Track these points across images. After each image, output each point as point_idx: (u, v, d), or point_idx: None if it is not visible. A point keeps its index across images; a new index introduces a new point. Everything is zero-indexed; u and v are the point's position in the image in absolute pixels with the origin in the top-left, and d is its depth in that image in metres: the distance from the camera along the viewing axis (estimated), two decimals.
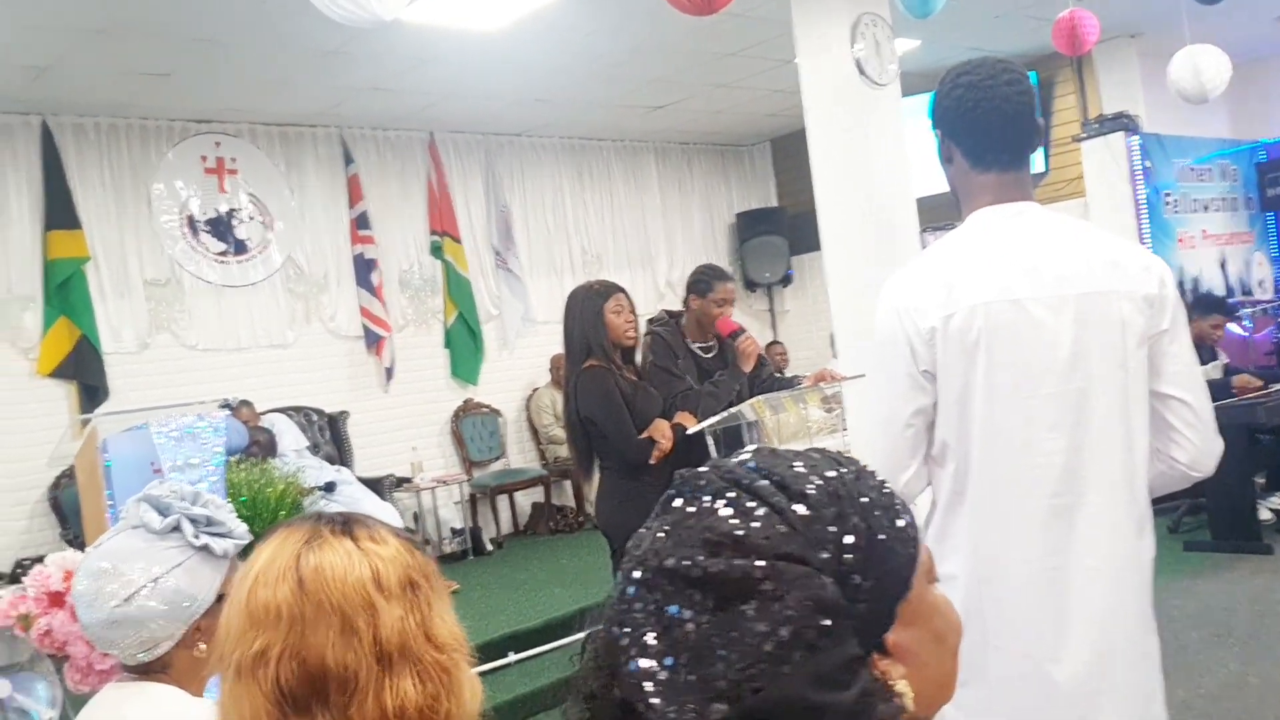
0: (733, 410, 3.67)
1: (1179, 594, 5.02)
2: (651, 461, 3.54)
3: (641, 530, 0.76)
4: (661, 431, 3.59)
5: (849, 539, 0.71)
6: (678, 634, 0.67)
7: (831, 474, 0.75)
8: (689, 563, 0.69)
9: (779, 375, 4.22)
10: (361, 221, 7.60)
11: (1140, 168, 7.46)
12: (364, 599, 1.05)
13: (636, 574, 0.71)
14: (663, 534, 0.72)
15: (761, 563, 0.68)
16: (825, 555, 0.70)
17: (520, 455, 8.39)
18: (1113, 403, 1.81)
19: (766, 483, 0.72)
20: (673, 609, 0.68)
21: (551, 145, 8.82)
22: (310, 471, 5.90)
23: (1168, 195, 7.75)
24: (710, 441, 3.65)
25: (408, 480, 7.32)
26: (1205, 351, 6.23)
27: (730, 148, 10.20)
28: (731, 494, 0.72)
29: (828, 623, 0.68)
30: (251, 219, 7.17)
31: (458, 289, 8.04)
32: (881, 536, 0.73)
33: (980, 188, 1.92)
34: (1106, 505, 1.81)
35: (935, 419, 1.88)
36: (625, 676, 0.67)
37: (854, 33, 5.11)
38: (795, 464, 0.75)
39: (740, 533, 0.69)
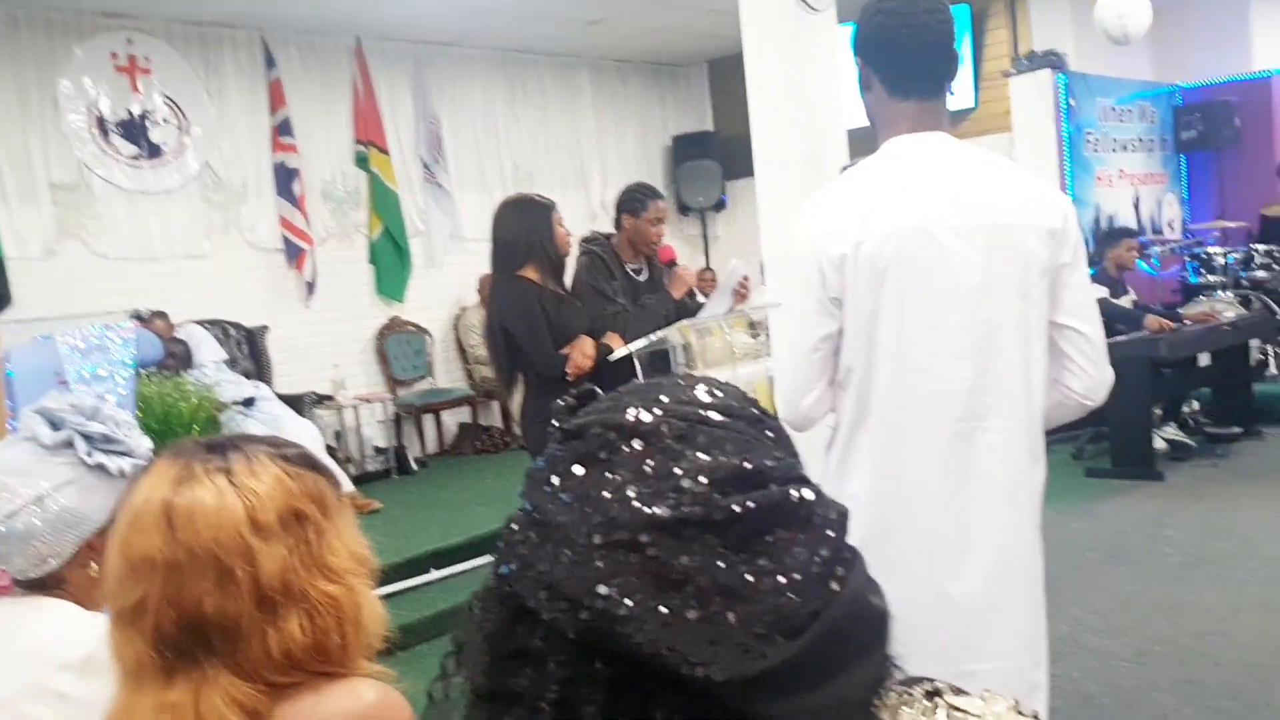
0: (660, 334, 3.70)
1: (1078, 517, 5.24)
2: (568, 377, 3.52)
3: (544, 496, 0.69)
4: (583, 349, 3.58)
5: (795, 449, 0.72)
6: (702, 583, 0.63)
7: (735, 392, 0.73)
8: (704, 509, 0.64)
9: (705, 302, 4.25)
10: (283, 129, 7.38)
11: (1065, 106, 7.56)
12: (239, 545, 1.02)
13: (604, 542, 0.65)
14: (627, 490, 0.66)
15: (780, 490, 0.66)
16: (802, 469, 0.70)
17: (447, 375, 8.35)
18: (1014, 333, 1.87)
19: (720, 415, 0.69)
20: (685, 561, 0.63)
21: (484, 57, 8.63)
22: (228, 386, 5.81)
23: (1089, 134, 7.88)
24: (637, 364, 3.67)
25: (329, 398, 7.25)
26: (1119, 285, 6.42)
27: (666, 68, 10.08)
28: (698, 430, 0.68)
29: (847, 533, 0.68)
30: (166, 123, 6.93)
31: (383, 202, 7.89)
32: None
33: (897, 115, 1.94)
34: (1004, 432, 1.88)
35: (842, 344, 1.92)
36: (640, 645, 0.62)
37: None
38: (703, 393, 0.72)
39: (749, 465, 0.66)
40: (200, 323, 6.68)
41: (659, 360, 4.04)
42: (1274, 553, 4.41)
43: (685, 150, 9.82)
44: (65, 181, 6.52)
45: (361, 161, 7.84)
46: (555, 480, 0.69)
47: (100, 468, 1.47)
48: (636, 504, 0.65)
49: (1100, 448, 6.26)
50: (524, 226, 3.56)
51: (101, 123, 6.66)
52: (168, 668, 1.02)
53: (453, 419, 8.23)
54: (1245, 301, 6.95)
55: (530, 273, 3.59)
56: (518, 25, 8.02)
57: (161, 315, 6.17)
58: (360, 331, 7.85)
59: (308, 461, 1.12)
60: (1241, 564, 4.32)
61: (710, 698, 0.63)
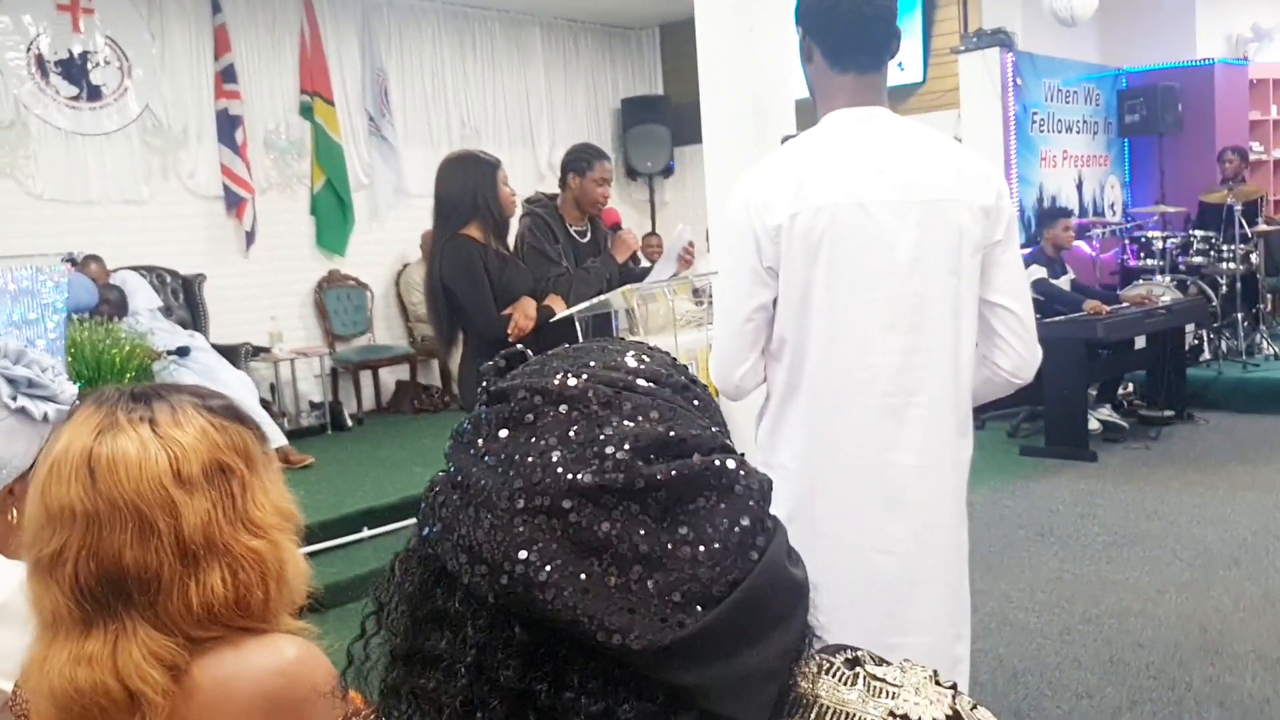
0: (603, 297, 3.69)
1: (1010, 495, 5.35)
2: (509, 338, 3.50)
3: (469, 458, 0.69)
4: (524, 310, 3.56)
5: (720, 418, 0.72)
6: (621, 550, 0.63)
7: (664, 359, 0.74)
8: (626, 476, 0.64)
9: (649, 266, 4.25)
10: (227, 75, 7.22)
11: (1012, 84, 7.64)
12: (161, 496, 1.01)
13: (525, 505, 0.64)
14: (551, 455, 0.65)
15: (704, 458, 0.66)
16: (726, 437, 0.70)
17: (387, 332, 8.27)
18: (946, 309, 1.90)
19: (647, 381, 0.69)
20: (605, 528, 0.63)
21: (434, 10, 8.50)
22: (162, 334, 5.72)
23: (1035, 114, 7.98)
24: (579, 327, 3.67)
25: (265, 350, 7.16)
26: (1057, 265, 6.53)
27: (619, 30, 10.00)
28: (624, 397, 0.68)
29: (769, 501, 0.68)
30: (108, 64, 6.74)
31: (327, 154, 7.76)
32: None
33: (837, 88, 1.95)
34: (933, 406, 1.91)
35: (775, 315, 1.94)
36: (556, 612, 0.63)
37: None
38: (631, 358, 0.72)
39: (673, 433, 0.66)
40: (136, 269, 6.56)
41: (600, 324, 4.05)
42: (1199, 535, 4.54)
43: (635, 114, 9.78)
44: (1, 120, 6.33)
45: (306, 112, 7.71)
46: (480, 442, 0.69)
47: (23, 411, 1.44)
48: (559, 469, 0.65)
49: (1035, 427, 6.39)
50: (468, 184, 3.51)
51: (40, 61, 6.47)
52: (85, 619, 1.01)
53: (391, 376, 8.17)
54: (1182, 286, 7.11)
55: (474, 231, 3.54)
56: None
57: (96, 260, 6.04)
58: (299, 284, 7.75)
59: (233, 413, 1.11)
60: (1167, 545, 4.44)
61: (627, 666, 0.63)
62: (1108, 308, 6.20)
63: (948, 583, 1.99)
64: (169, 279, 6.87)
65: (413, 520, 1.07)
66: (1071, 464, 5.85)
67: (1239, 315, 7.41)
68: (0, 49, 6.31)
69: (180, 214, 7.11)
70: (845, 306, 1.88)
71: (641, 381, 0.69)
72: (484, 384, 0.73)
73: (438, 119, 8.58)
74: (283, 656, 1.06)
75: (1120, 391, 6.88)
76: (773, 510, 0.70)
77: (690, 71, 9.63)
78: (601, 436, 0.66)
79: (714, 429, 0.70)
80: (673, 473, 0.65)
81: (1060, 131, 8.26)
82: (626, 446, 0.65)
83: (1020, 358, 1.98)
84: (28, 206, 6.42)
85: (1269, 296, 8.16)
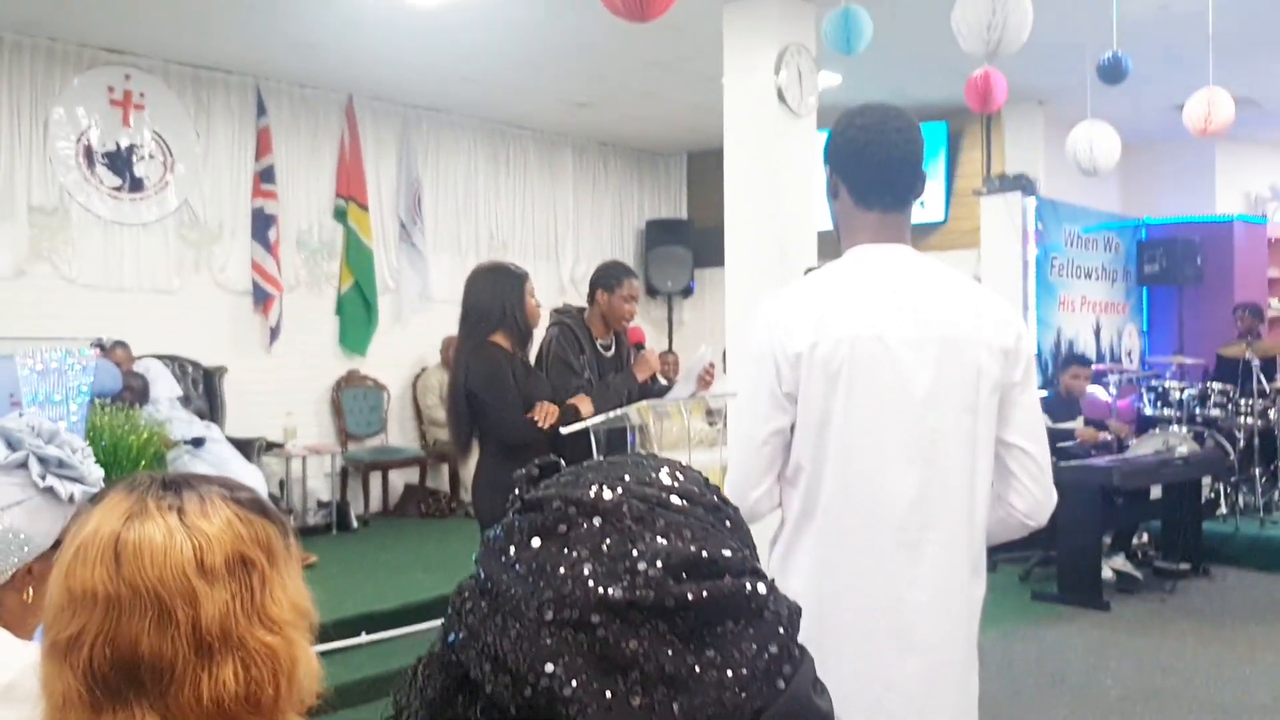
0: (620, 411, 3.72)
1: (1021, 640, 5.24)
2: (539, 424, 3.53)
3: (499, 565, 0.68)
4: (545, 410, 3.59)
5: (751, 541, 0.72)
6: (648, 670, 0.62)
7: (696, 478, 0.73)
8: (657, 594, 0.63)
9: (666, 384, 4.29)
10: (266, 175, 7.42)
11: (1033, 229, 7.77)
12: (183, 585, 1.00)
13: (554, 618, 0.64)
14: (581, 568, 0.65)
15: (735, 581, 0.66)
16: (757, 561, 0.70)
17: (400, 434, 8.29)
18: (961, 446, 1.90)
19: (681, 499, 0.69)
20: (633, 645, 0.63)
21: (471, 125, 8.75)
22: (179, 424, 5.75)
23: (1055, 258, 8.09)
24: (594, 440, 3.69)
25: (279, 445, 7.17)
26: (1071, 406, 6.53)
27: (647, 155, 10.27)
28: (657, 513, 0.68)
29: (796, 630, 0.68)
30: (152, 157, 6.94)
31: (357, 256, 7.92)
32: None
33: (861, 225, 2.00)
34: (947, 544, 1.90)
35: (792, 440, 1.95)
36: None
37: (779, 60, 5.23)
38: (665, 475, 0.72)
39: (705, 554, 0.66)
40: (160, 358, 6.63)
41: (616, 438, 4.07)
42: (1217, 696, 4.42)
43: (658, 235, 9.97)
44: (44, 205, 6.50)
45: (340, 215, 7.89)
46: (511, 550, 0.69)
47: (50, 491, 1.45)
48: (590, 582, 0.64)
49: (1048, 571, 6.28)
50: (497, 293, 3.58)
51: (89, 151, 6.67)
52: (96, 705, 1.00)
53: (400, 479, 8.15)
54: (1199, 438, 7.07)
55: (500, 339, 3.60)
56: (508, 99, 8.17)
57: (123, 346, 6.12)
58: (318, 381, 7.81)
59: (259, 507, 1.11)
60: (1184, 703, 4.32)
61: None
62: (1101, 433, 6.17)
63: None
64: (190, 369, 6.93)
65: (414, 627, 1.07)
66: (1084, 612, 5.74)
67: (1256, 470, 7.35)
68: (53, 138, 6.52)
69: (208, 306, 7.23)
70: (862, 437, 1.88)
71: (675, 499, 0.70)
72: (518, 491, 0.74)
73: (467, 229, 8.76)
74: None
75: (1135, 541, 6.79)
76: None
77: (713, 197, 9.89)
78: (634, 552, 0.65)
79: (745, 551, 0.70)
80: (703, 593, 0.64)
81: (1080, 277, 8.36)
82: (659, 564, 0.65)
83: (1035, 500, 1.97)
84: (62, 290, 6.54)
85: None
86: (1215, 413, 7.35)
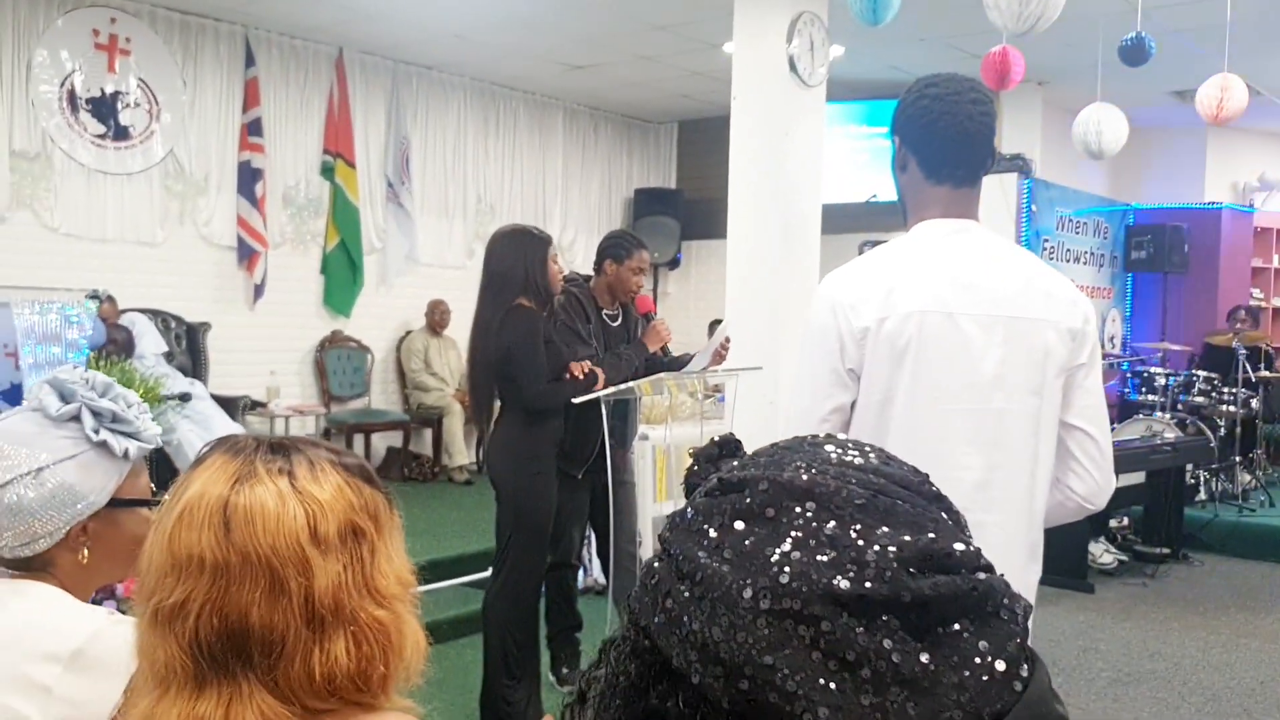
0: (629, 384, 3.68)
1: None
2: (571, 377, 3.52)
3: (708, 546, 0.63)
4: (580, 366, 3.55)
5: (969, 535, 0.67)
6: (880, 669, 0.58)
7: (908, 466, 0.68)
8: (891, 587, 0.59)
9: (676, 357, 4.25)
10: (253, 128, 7.25)
11: (1026, 210, 7.77)
12: (296, 554, 0.95)
13: (771, 607, 0.60)
14: (803, 555, 0.60)
15: (970, 577, 0.61)
16: (987, 559, 0.64)
17: (384, 397, 8.19)
18: (1025, 428, 1.86)
19: (898, 487, 0.64)
20: (863, 641, 0.58)
21: (462, 85, 8.60)
22: (165, 380, 5.63)
23: (1046, 241, 8.09)
24: (604, 410, 3.65)
25: (262, 405, 7.06)
26: None
27: (638, 123, 10.16)
28: (880, 500, 0.63)
29: (1027, 631, 0.62)
30: (137, 105, 6.76)
31: (344, 215, 7.77)
32: None
33: (931, 199, 1.94)
34: (1006, 527, 1.87)
35: (851, 419, 1.90)
36: None
37: (791, 29, 5.14)
38: (875, 458, 0.67)
39: (938, 546, 0.61)
40: (143, 312, 6.48)
41: (619, 409, 4.03)
42: (1205, 681, 4.46)
43: (646, 204, 9.87)
44: (26, 150, 6.31)
45: (327, 171, 7.74)
46: (711, 533, 0.64)
47: (104, 445, 1.38)
48: (813, 573, 0.60)
49: None
50: (520, 258, 3.49)
51: (72, 97, 6.48)
52: (200, 677, 0.94)
53: (383, 442, 8.05)
54: (1181, 424, 7.13)
55: (529, 303, 3.51)
56: (500, 59, 8.02)
57: (110, 299, 5.97)
58: (302, 341, 7.68)
59: (366, 474, 1.05)
60: (1174, 688, 4.36)
61: None
62: None
63: None
64: (173, 324, 6.79)
65: None
66: (1069, 594, 5.79)
67: (1236, 459, 7.44)
68: (35, 81, 6.32)
69: (192, 260, 7.07)
70: (926, 416, 1.84)
71: (896, 487, 0.64)
72: (702, 468, 0.68)
73: (455, 191, 8.63)
74: None
75: (1113, 523, 6.85)
76: None
77: (704, 168, 9.86)
78: (860, 541, 0.60)
79: (975, 545, 0.64)
80: (941, 589, 0.59)
81: (1069, 261, 8.38)
82: (890, 555, 0.60)
83: (1095, 484, 1.94)
84: (43, 239, 6.36)
85: (1265, 443, 8.19)
86: (1199, 400, 7.41)
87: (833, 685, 0.58)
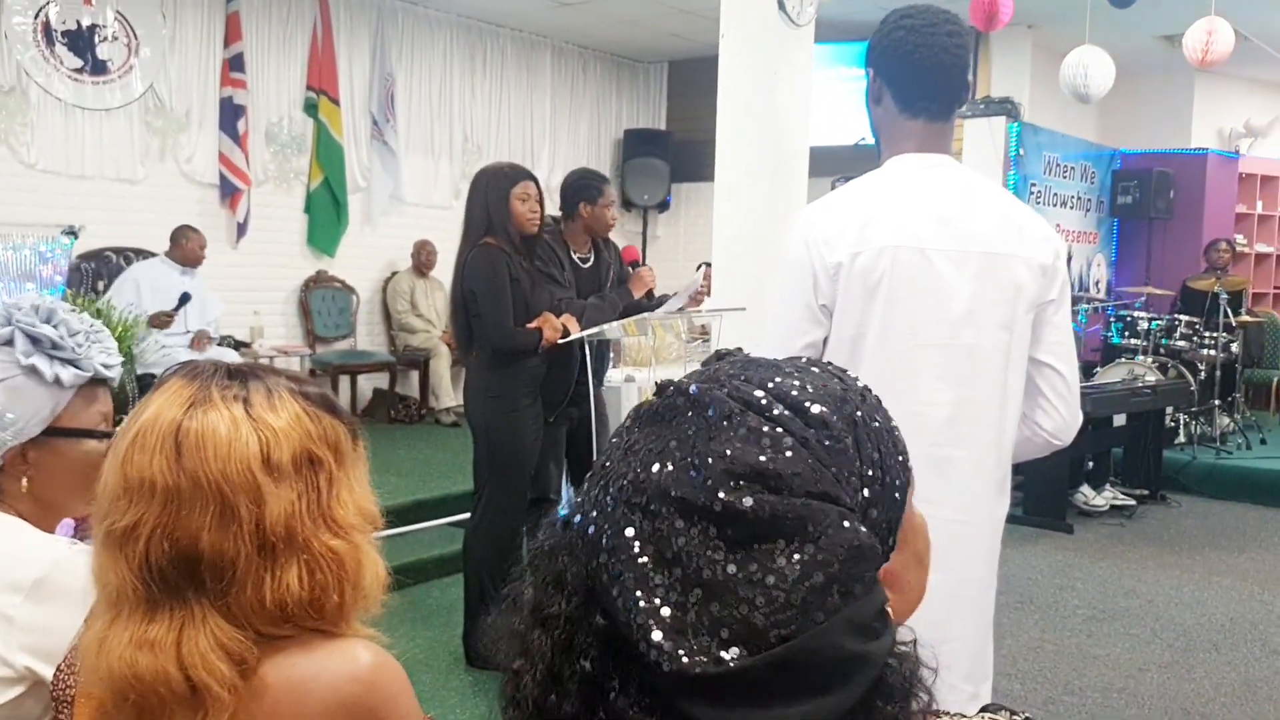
0: (611, 325, 3.68)
1: None
2: (542, 347, 3.48)
3: (616, 443, 0.69)
4: (553, 324, 3.52)
5: (869, 472, 0.67)
6: (689, 570, 0.61)
7: (839, 394, 0.69)
8: (707, 496, 0.62)
9: (649, 301, 4.26)
10: (235, 63, 7.15)
11: (1014, 153, 7.74)
12: (248, 480, 0.95)
13: (629, 498, 0.64)
14: (664, 457, 0.64)
15: (796, 501, 0.62)
16: (851, 491, 0.65)
17: (369, 338, 8.17)
18: (995, 363, 1.87)
19: (783, 408, 0.66)
20: (681, 542, 0.62)
21: (448, 21, 8.48)
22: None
23: (1033, 185, 8.07)
24: (586, 350, 3.65)
25: (245, 345, 7.04)
26: None
27: (627, 62, 10.04)
28: (748, 417, 0.65)
29: (862, 568, 0.63)
30: (116, 39, 6.64)
31: (328, 153, 7.70)
32: (890, 463, 0.69)
33: (905, 133, 1.93)
34: (975, 462, 1.88)
35: (824, 354, 1.91)
36: (619, 610, 0.62)
37: None
38: (795, 381, 0.68)
39: (771, 466, 0.63)
40: (122, 250, 6.43)
41: (601, 349, 4.04)
42: (1177, 617, 4.54)
43: (636, 146, 9.79)
44: (1, 84, 6.21)
45: (310, 108, 7.65)
46: (625, 428, 0.71)
47: (33, 370, 1.35)
48: (657, 472, 0.64)
49: (1014, 496, 6.37)
50: (482, 199, 3.49)
51: (47, 29, 6.36)
52: (152, 600, 0.95)
53: (369, 384, 8.06)
54: (1163, 368, 7.18)
55: (493, 241, 3.50)
56: None
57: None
58: (286, 281, 7.64)
59: (328, 404, 1.05)
60: (1146, 624, 4.44)
61: (657, 689, 0.62)
62: None
63: (970, 642, 1.96)
64: None
65: (386, 532, 1.05)
66: (1048, 534, 5.86)
67: (1215, 402, 7.50)
68: (8, 13, 6.20)
69: (173, 198, 6.99)
70: (898, 351, 1.85)
71: (778, 408, 0.66)
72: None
73: (440, 130, 8.54)
74: (358, 662, 1.00)
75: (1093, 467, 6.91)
76: None
77: (694, 109, 9.74)
78: (704, 451, 0.64)
79: (834, 473, 0.65)
80: (754, 506, 0.62)
81: (1055, 205, 8.37)
82: (720, 467, 0.63)
83: (1063, 419, 1.96)
84: (20, 175, 6.28)
85: (1244, 386, 8.26)
86: (1180, 344, 7.45)
87: (654, 577, 0.62)
